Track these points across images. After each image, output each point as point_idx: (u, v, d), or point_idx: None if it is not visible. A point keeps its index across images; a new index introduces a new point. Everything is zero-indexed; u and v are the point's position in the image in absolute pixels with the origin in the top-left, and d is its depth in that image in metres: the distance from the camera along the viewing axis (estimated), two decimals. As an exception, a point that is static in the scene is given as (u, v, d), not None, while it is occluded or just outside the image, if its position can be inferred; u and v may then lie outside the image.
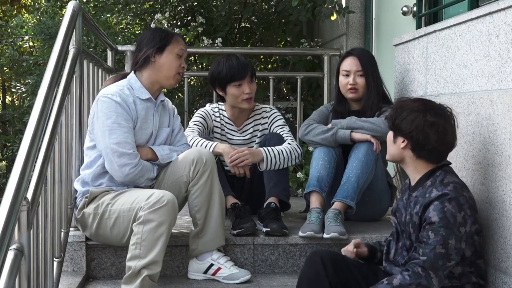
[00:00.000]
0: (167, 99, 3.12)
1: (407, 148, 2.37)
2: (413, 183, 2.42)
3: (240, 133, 3.52)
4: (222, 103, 3.56)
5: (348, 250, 2.54)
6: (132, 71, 2.97)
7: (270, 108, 3.58)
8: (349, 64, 3.42)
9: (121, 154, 2.77)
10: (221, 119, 3.51)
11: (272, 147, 3.27)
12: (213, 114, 3.51)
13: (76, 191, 2.89)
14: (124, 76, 3.02)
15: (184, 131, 3.19)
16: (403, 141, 2.37)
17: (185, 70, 3.01)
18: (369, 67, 3.41)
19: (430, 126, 2.29)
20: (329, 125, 3.37)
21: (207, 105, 3.58)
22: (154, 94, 2.97)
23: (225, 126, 3.51)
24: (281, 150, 3.26)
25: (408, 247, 2.37)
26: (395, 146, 2.41)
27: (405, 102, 2.41)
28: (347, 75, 3.41)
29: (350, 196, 3.11)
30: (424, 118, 2.30)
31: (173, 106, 3.15)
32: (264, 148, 3.27)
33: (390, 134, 2.44)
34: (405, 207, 2.44)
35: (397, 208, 2.51)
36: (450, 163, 2.42)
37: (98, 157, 2.84)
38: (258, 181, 3.34)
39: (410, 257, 2.29)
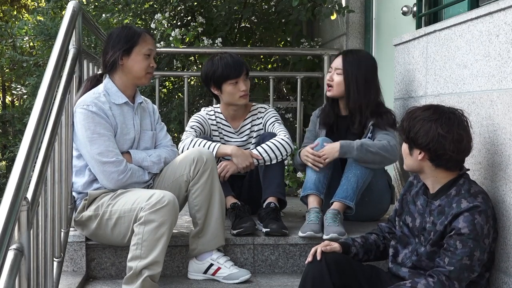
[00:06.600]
0: (146, 99, 3.06)
1: (425, 159, 2.34)
2: (432, 191, 2.40)
3: (237, 135, 3.50)
4: (217, 106, 3.55)
5: (317, 252, 2.42)
6: (107, 75, 2.91)
7: (265, 108, 3.55)
8: (335, 61, 3.40)
9: (105, 163, 2.75)
10: (217, 122, 3.50)
11: (262, 145, 3.23)
12: (209, 119, 3.48)
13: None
14: (97, 77, 2.96)
15: (183, 131, 3.15)
16: (420, 153, 2.34)
17: (154, 68, 2.93)
18: (352, 68, 3.30)
19: (444, 136, 2.27)
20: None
21: (202, 109, 3.56)
22: (130, 96, 2.92)
23: (222, 129, 3.50)
24: (272, 143, 3.22)
25: (422, 253, 2.36)
26: (412, 158, 2.38)
27: (416, 113, 2.36)
28: (330, 72, 3.42)
29: (350, 197, 3.10)
30: (438, 129, 2.27)
31: (154, 105, 3.10)
32: (257, 148, 3.24)
33: (405, 146, 2.41)
34: (420, 213, 2.42)
35: (406, 211, 2.49)
36: (468, 169, 2.41)
37: (85, 167, 2.83)
38: (257, 181, 3.33)
39: (434, 263, 2.28)
